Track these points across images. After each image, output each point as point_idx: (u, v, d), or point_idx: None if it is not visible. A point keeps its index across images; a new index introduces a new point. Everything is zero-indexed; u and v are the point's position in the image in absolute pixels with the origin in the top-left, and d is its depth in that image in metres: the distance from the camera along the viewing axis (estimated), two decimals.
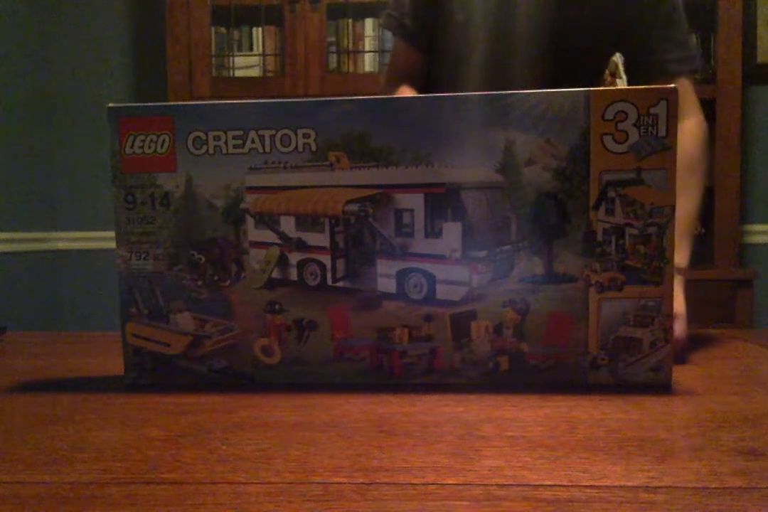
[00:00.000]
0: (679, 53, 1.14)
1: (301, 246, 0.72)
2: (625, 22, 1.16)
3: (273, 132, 0.70)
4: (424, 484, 0.46)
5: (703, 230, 2.28)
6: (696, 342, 0.96)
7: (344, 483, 0.46)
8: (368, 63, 2.65)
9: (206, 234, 0.72)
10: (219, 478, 0.47)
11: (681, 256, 0.97)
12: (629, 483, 0.46)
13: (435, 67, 1.28)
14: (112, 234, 0.74)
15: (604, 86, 0.89)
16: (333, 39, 2.64)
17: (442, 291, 0.70)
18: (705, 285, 2.15)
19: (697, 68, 1.17)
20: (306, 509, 0.42)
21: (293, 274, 0.72)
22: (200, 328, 0.73)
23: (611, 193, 0.68)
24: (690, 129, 1.10)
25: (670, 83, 1.03)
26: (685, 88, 1.10)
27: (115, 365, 0.76)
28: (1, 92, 2.66)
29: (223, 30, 2.63)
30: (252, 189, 0.71)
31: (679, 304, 0.89)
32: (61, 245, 2.91)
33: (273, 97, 0.70)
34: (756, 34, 2.53)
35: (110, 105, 0.73)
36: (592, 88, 0.67)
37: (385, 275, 0.71)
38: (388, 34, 1.71)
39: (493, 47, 1.20)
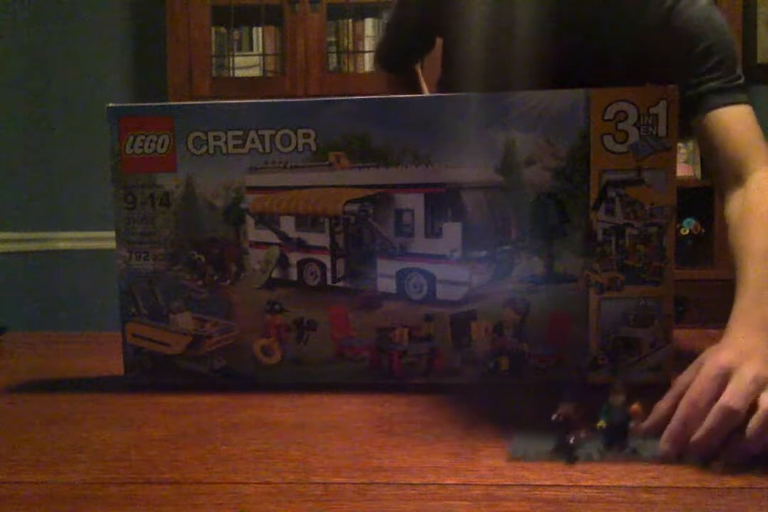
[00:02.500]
0: (719, 80, 0.83)
1: (301, 246, 0.72)
2: (636, 59, 0.90)
3: (273, 132, 0.70)
4: (424, 484, 0.46)
5: (703, 230, 2.28)
6: (696, 342, 0.96)
7: (344, 483, 0.46)
8: (368, 63, 2.64)
9: (206, 234, 0.72)
10: (219, 478, 0.47)
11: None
12: (629, 483, 0.46)
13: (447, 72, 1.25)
14: (112, 234, 0.74)
15: None
16: (333, 39, 2.63)
17: (442, 291, 0.70)
18: (705, 285, 2.15)
19: (745, 97, 0.84)
20: (306, 509, 0.42)
21: (293, 274, 0.72)
22: (200, 328, 0.73)
23: (611, 193, 0.68)
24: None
25: (715, 117, 0.81)
26: (736, 121, 0.81)
27: (115, 365, 0.76)
28: (0, 92, 2.66)
29: (223, 30, 2.63)
30: (252, 189, 0.71)
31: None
32: (61, 245, 2.90)
33: (273, 97, 0.70)
34: (756, 34, 2.53)
35: (110, 105, 0.73)
36: (591, 88, 0.67)
37: (385, 275, 0.71)
38: None
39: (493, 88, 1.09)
